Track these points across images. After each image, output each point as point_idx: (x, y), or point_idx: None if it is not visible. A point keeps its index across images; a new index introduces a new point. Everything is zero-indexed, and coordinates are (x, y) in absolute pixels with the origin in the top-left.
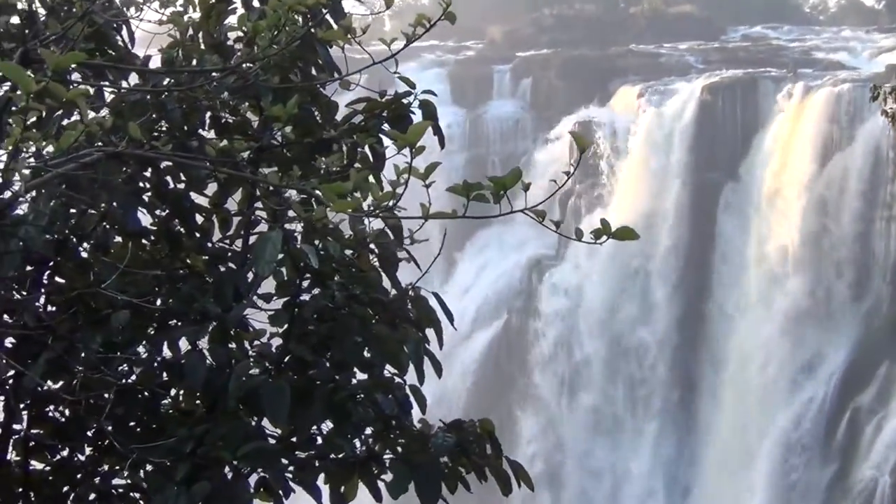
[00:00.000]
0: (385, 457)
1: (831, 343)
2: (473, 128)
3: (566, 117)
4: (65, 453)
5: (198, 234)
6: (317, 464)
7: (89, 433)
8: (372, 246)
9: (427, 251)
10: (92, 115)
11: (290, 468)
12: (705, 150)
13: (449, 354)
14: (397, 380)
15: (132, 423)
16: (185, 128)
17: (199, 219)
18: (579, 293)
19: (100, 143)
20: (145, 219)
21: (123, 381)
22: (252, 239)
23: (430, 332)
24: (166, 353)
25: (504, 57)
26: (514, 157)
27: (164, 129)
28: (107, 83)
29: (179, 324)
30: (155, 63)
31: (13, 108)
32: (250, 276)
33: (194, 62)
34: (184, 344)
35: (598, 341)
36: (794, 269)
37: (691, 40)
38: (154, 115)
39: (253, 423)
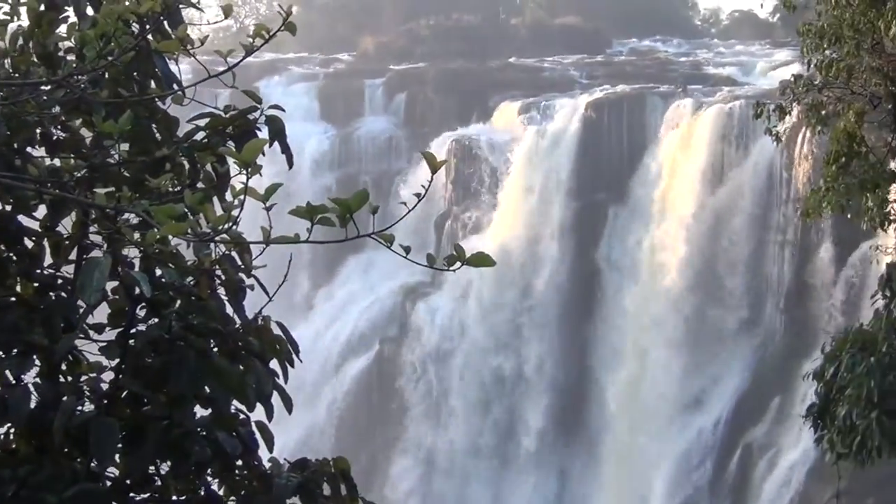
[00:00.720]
0: (230, 500)
1: (722, 374)
2: (344, 146)
3: (443, 134)
4: None
5: (26, 260)
6: None
7: None
8: (219, 272)
9: (293, 279)
10: None
11: None
12: (590, 169)
13: (316, 388)
14: (255, 416)
15: None
16: (16, 145)
17: (29, 243)
18: (456, 322)
19: None
20: None
21: None
22: None
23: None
24: None
25: (377, 70)
26: (387, 176)
27: None
28: None
29: (3, 356)
30: None
31: None
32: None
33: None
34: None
35: (477, 374)
36: (684, 296)
37: (576, 53)
38: None
39: (82, 464)
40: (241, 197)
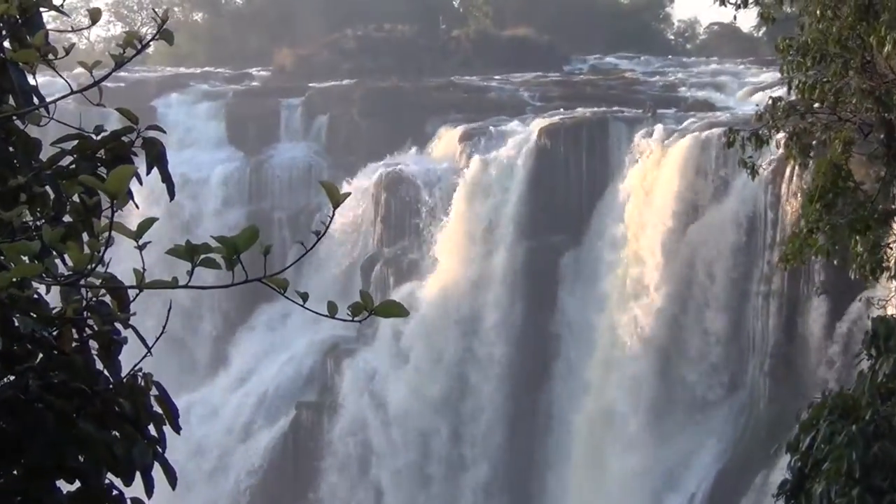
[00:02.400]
0: None
1: (698, 447)
2: (255, 176)
3: (371, 164)
4: None
5: None
6: None
7: None
8: (91, 322)
9: (195, 332)
10: None
11: None
12: (543, 207)
13: (222, 459)
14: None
15: None
16: None
17: None
18: (388, 384)
19: None
20: None
21: None
22: None
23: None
24: None
25: (295, 88)
26: (305, 212)
27: None
28: None
29: None
30: None
31: None
32: None
33: None
34: None
35: (410, 445)
36: (652, 356)
37: (527, 71)
38: None
39: None
40: (107, 234)
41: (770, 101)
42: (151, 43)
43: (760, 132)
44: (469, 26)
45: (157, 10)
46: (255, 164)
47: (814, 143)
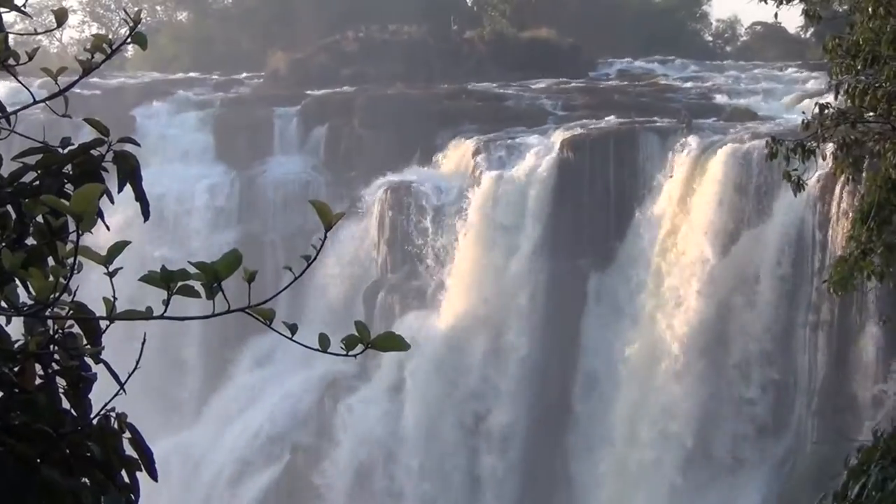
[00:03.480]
0: None
1: (738, 496)
2: (246, 195)
3: (374, 180)
4: None
5: None
6: None
7: None
8: (57, 356)
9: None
10: None
11: None
12: (566, 228)
13: None
14: None
15: None
16: None
17: None
18: (392, 424)
19: None
20: None
21: None
22: None
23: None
24: None
25: (290, 96)
26: (302, 235)
27: None
28: None
29: None
30: None
31: None
32: None
33: None
34: None
35: (417, 491)
36: (685, 394)
37: (549, 76)
38: None
39: None
40: (71, 259)
41: (817, 109)
42: (130, 47)
43: (807, 143)
44: (484, 27)
45: (129, 10)
46: (246, 180)
47: (866, 155)
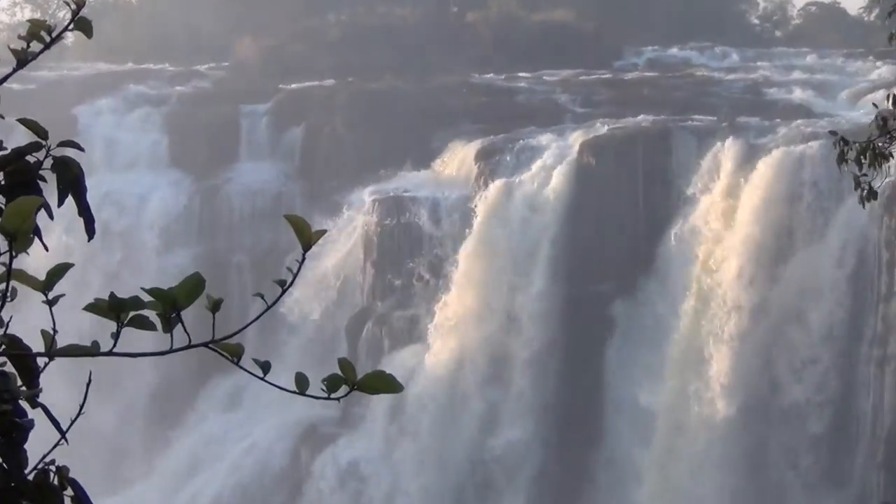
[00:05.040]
0: None
1: None
2: (207, 207)
3: (359, 190)
4: None
5: None
6: None
7: None
8: None
9: (129, 414)
10: None
11: None
12: (586, 246)
13: None
14: None
15: None
16: None
17: None
18: (381, 479)
19: None
20: None
21: None
22: None
23: None
24: None
25: (260, 90)
26: (274, 255)
27: None
28: None
29: None
30: None
31: None
32: None
33: None
34: None
35: None
36: (728, 445)
37: (566, 67)
38: None
39: None
40: (3, 285)
41: (890, 104)
42: (71, 34)
43: (879, 144)
44: (489, 9)
45: None
46: (207, 190)
47: None
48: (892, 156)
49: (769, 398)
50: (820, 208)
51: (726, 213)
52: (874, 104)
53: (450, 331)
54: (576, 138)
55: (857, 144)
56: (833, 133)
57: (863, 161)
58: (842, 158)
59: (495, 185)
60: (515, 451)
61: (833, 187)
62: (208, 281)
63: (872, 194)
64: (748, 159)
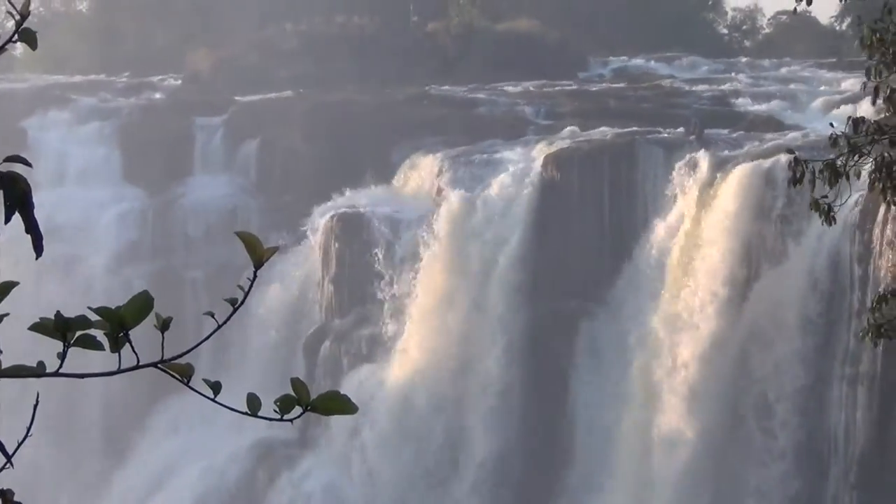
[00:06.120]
0: None
1: None
2: (161, 223)
3: (318, 206)
4: None
5: None
6: None
7: None
8: None
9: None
10: None
11: None
12: (551, 262)
13: None
14: None
15: None
16: None
17: None
18: (341, 502)
19: None
20: None
21: None
22: None
23: None
24: None
25: (214, 103)
26: (229, 272)
27: None
28: None
29: None
30: None
31: None
32: None
33: None
34: None
35: None
36: (696, 469)
37: (530, 78)
38: None
39: None
40: None
41: (851, 122)
42: (13, 45)
43: (837, 162)
44: (451, 19)
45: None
46: (160, 205)
47: None
48: (847, 176)
49: (737, 418)
50: (790, 223)
51: (694, 228)
52: (831, 124)
53: (410, 349)
54: (540, 151)
55: (815, 165)
56: (790, 152)
57: (818, 180)
58: (796, 180)
59: (456, 200)
60: (477, 472)
61: (804, 202)
62: (162, 298)
63: (830, 217)
64: (717, 172)
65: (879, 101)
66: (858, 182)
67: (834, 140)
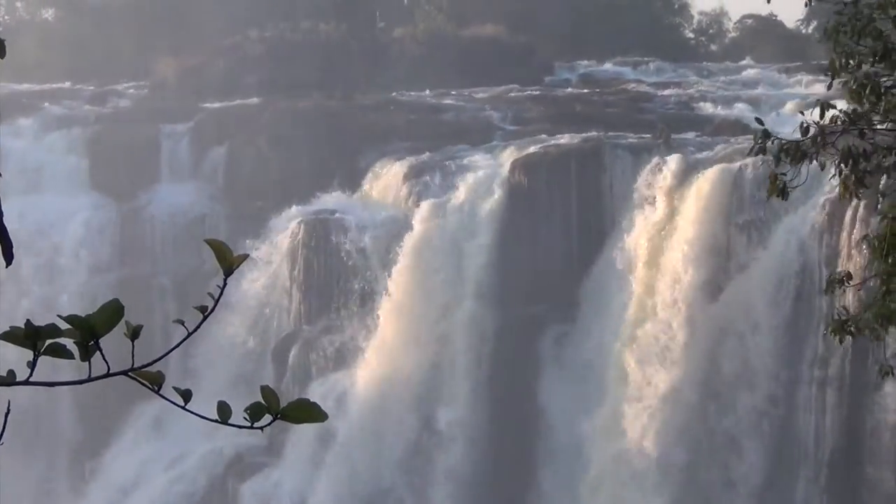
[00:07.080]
0: None
1: None
2: (128, 230)
3: (286, 211)
4: None
5: None
6: None
7: None
8: None
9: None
10: None
11: None
12: (519, 268)
13: None
14: None
15: None
16: None
17: None
18: None
19: None
20: None
21: None
22: None
23: None
24: None
25: (181, 110)
26: (197, 279)
27: None
28: None
29: None
30: None
31: None
32: None
33: None
34: None
35: None
36: (667, 474)
37: (496, 84)
38: None
39: None
40: None
41: (820, 108)
42: None
43: (802, 144)
44: (417, 25)
45: None
46: (128, 213)
47: (875, 170)
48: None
49: (708, 421)
50: (758, 226)
51: (662, 232)
52: (801, 112)
53: (379, 356)
54: (507, 156)
55: (780, 141)
56: (759, 121)
57: (783, 159)
58: (760, 150)
59: (424, 206)
60: (447, 478)
61: (773, 205)
62: (130, 306)
63: (784, 193)
64: (685, 177)
65: (837, 85)
66: (828, 187)
67: (806, 128)
